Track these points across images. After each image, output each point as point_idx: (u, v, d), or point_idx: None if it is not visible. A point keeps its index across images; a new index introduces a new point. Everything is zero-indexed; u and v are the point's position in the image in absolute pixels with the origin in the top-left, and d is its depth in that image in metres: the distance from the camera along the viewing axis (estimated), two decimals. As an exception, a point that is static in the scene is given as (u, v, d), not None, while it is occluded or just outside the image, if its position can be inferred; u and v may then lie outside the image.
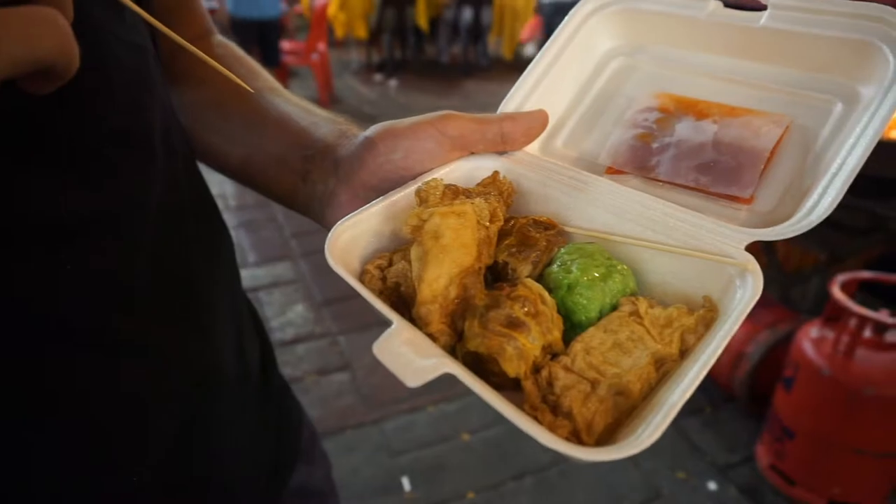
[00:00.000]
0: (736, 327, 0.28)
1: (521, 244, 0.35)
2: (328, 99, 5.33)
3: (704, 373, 0.27)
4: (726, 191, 0.35)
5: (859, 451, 1.63)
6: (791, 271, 2.30)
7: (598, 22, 0.46)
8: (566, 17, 0.46)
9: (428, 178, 0.38)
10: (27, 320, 0.32)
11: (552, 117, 0.44)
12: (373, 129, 0.41)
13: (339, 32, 6.70)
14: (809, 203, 0.32)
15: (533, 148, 0.43)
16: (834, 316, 1.67)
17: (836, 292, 1.65)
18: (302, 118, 0.46)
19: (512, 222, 0.37)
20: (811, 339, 1.69)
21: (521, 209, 0.39)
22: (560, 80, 0.45)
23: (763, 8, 0.39)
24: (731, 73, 0.41)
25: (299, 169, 0.44)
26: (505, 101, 0.45)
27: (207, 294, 0.43)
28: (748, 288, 0.30)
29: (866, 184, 1.69)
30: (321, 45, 5.27)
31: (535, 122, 0.42)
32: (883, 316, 1.57)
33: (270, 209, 3.37)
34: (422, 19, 6.73)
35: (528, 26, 7.02)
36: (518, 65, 7.21)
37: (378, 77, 6.49)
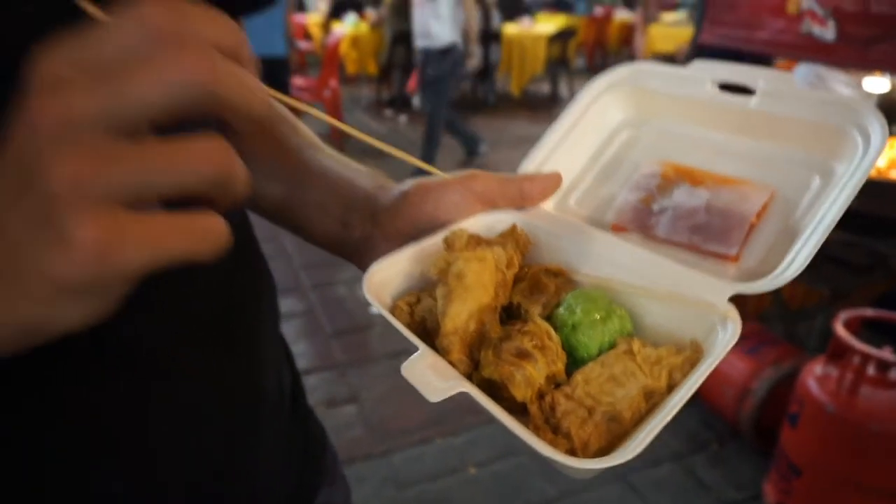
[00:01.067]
0: (715, 364, 0.33)
1: (533, 288, 0.40)
2: (339, 134, 5.44)
3: (684, 400, 0.32)
4: (716, 249, 0.40)
5: (866, 489, 1.63)
6: (796, 308, 2.33)
7: (611, 97, 0.52)
8: (583, 90, 0.53)
9: (455, 227, 0.43)
10: (92, 345, 0.36)
11: (567, 178, 0.49)
12: (408, 184, 0.47)
13: (351, 69, 6.87)
14: (786, 261, 0.37)
15: (549, 204, 0.48)
16: (838, 353, 1.69)
17: (840, 330, 1.67)
18: (342, 170, 0.52)
19: (526, 269, 0.42)
20: (815, 376, 1.71)
21: (535, 258, 0.44)
22: (575, 146, 0.51)
23: (752, 92, 0.44)
24: (725, 146, 0.46)
25: (339, 216, 0.49)
26: (525, 161, 0.51)
27: (255, 323, 0.48)
28: (728, 332, 0.34)
29: (869, 222, 1.74)
30: (333, 82, 5.40)
31: (550, 183, 0.47)
32: (887, 354, 1.59)
33: (280, 241, 3.42)
34: (431, 57, 6.90)
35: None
36: (526, 102, 7.34)
37: (388, 112, 6.62)
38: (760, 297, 2.50)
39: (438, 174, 0.46)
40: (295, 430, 0.56)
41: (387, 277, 0.41)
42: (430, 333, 0.38)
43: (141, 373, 0.38)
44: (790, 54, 1.99)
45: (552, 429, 0.33)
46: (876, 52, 1.50)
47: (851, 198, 0.36)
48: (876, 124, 0.38)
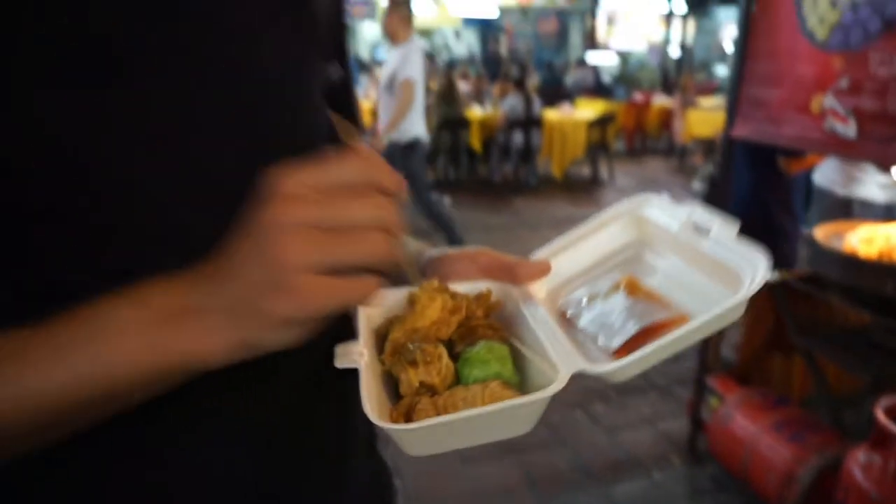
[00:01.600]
0: (518, 402, 0.43)
1: (471, 333, 0.53)
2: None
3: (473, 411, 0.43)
4: (602, 342, 0.52)
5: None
6: (842, 395, 2.31)
7: (622, 222, 0.64)
8: (608, 211, 0.64)
9: (455, 287, 0.56)
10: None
11: (565, 275, 0.61)
12: (437, 251, 0.63)
13: (398, 153, 7.22)
14: (629, 359, 0.46)
15: (542, 289, 0.60)
16: (880, 440, 1.68)
17: (881, 417, 1.67)
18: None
19: (476, 321, 0.54)
20: (860, 463, 1.70)
21: (498, 318, 0.56)
22: (581, 253, 0.63)
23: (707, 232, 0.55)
24: (675, 273, 0.57)
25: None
26: (538, 250, 0.63)
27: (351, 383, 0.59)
28: (549, 389, 0.44)
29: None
30: (356, 139, 5.68)
31: (538, 270, 0.59)
32: (929, 442, 1.58)
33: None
34: (475, 142, 7.20)
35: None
36: (567, 184, 7.53)
37: (434, 194, 6.88)
38: (804, 383, 2.49)
39: (456, 250, 0.63)
40: (377, 477, 0.66)
41: (383, 305, 0.55)
42: (384, 337, 0.53)
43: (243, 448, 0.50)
44: (816, 149, 2.09)
45: (405, 418, 0.45)
46: (895, 149, 1.59)
47: (705, 325, 0.46)
48: (759, 276, 0.47)
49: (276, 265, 0.36)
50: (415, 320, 0.51)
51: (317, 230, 0.36)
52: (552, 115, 7.54)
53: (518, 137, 7.10)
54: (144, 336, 0.38)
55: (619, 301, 0.55)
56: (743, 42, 2.12)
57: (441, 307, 0.52)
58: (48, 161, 0.39)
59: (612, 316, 0.53)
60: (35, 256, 0.41)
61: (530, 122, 7.06)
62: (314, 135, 0.52)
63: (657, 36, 16.64)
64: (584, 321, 0.55)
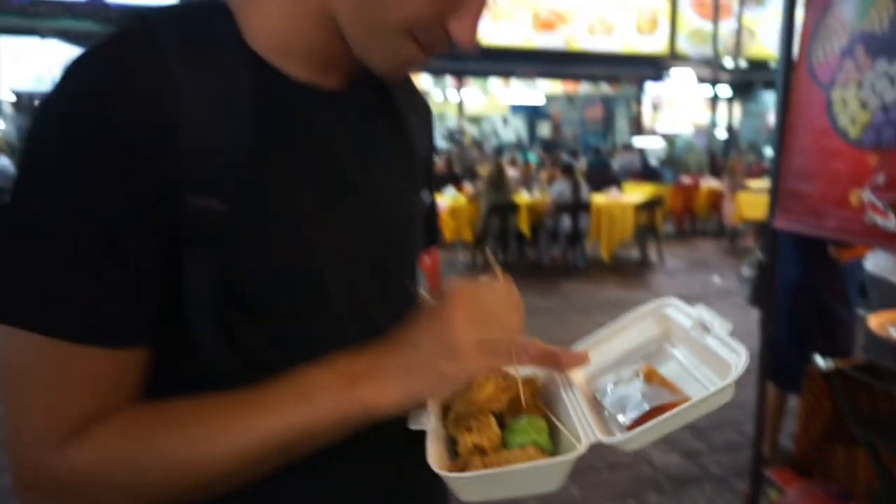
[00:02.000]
0: (543, 463, 0.56)
1: (516, 409, 0.65)
2: (437, 297, 5.80)
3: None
4: (620, 418, 0.63)
5: None
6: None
7: (649, 319, 0.75)
8: (637, 310, 0.76)
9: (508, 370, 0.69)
10: None
11: (602, 364, 0.73)
12: None
13: (448, 236, 7.43)
14: (631, 433, 0.57)
15: (581, 375, 0.71)
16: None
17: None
18: None
19: (523, 399, 0.65)
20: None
21: (542, 397, 0.69)
22: (614, 346, 0.75)
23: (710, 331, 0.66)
24: (689, 363, 0.68)
25: None
26: (579, 342, 0.75)
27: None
28: (571, 455, 0.56)
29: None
30: (433, 248, 5.87)
31: (576, 360, 0.71)
32: None
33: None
34: (524, 226, 7.36)
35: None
36: (615, 266, 7.55)
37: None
38: (868, 475, 2.39)
39: None
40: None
41: None
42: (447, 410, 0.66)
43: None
44: (859, 241, 2.12)
45: (460, 471, 0.56)
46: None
47: (696, 406, 0.57)
48: (740, 367, 0.57)
49: (452, 339, 0.55)
50: (472, 395, 0.64)
51: (480, 322, 0.56)
52: (599, 198, 7.67)
53: (566, 221, 7.23)
54: (337, 395, 0.55)
55: (637, 386, 0.66)
56: (780, 138, 2.22)
57: (494, 387, 0.64)
58: (275, 283, 0.58)
59: (630, 398, 0.64)
60: (248, 338, 0.58)
61: (578, 207, 7.20)
62: (416, 243, 0.75)
63: (703, 119, 16.87)
64: (609, 402, 0.66)
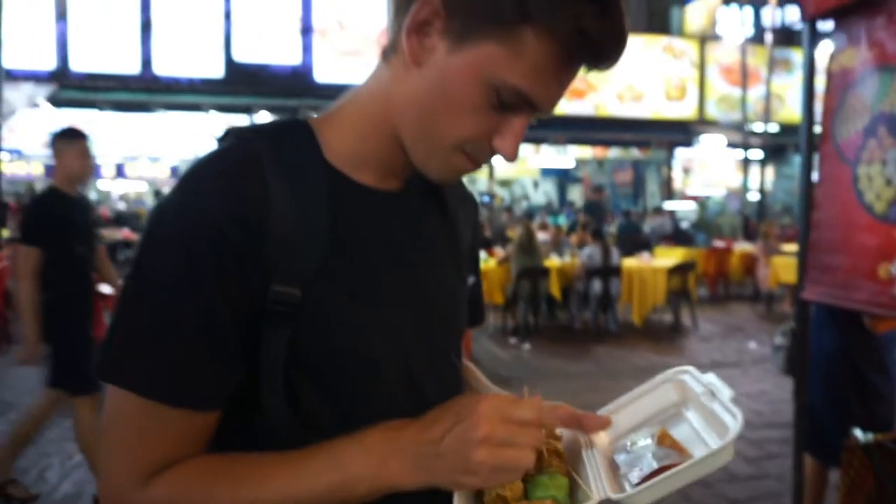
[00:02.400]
0: None
1: (538, 465, 0.68)
2: (468, 359, 5.81)
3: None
4: (631, 477, 0.68)
5: None
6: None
7: (668, 386, 0.81)
8: (657, 378, 0.81)
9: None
10: None
11: (625, 427, 0.78)
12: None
13: (479, 300, 7.47)
14: (636, 489, 0.63)
15: (604, 437, 0.76)
16: None
17: None
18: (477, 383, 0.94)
19: (548, 460, 0.71)
20: None
21: (569, 455, 0.75)
22: (636, 411, 0.80)
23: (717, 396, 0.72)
24: (694, 429, 0.73)
25: None
26: (603, 408, 0.80)
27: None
28: None
29: None
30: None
31: (600, 423, 0.74)
32: None
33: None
34: (555, 289, 7.38)
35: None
36: (648, 331, 7.46)
37: (513, 341, 6.98)
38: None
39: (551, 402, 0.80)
40: None
41: None
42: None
43: None
44: (890, 314, 2.12)
45: None
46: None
47: (693, 466, 0.63)
48: (734, 431, 0.63)
49: (469, 459, 0.59)
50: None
51: (499, 445, 0.60)
52: (630, 262, 7.67)
53: (597, 285, 7.23)
54: (367, 469, 0.62)
55: (650, 448, 0.71)
56: (806, 211, 2.27)
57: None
58: (336, 360, 0.67)
59: (642, 459, 0.69)
60: (309, 404, 0.67)
61: (609, 271, 7.21)
62: (462, 323, 0.84)
63: (735, 181, 16.86)
64: (623, 462, 0.72)
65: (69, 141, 2.99)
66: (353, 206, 0.71)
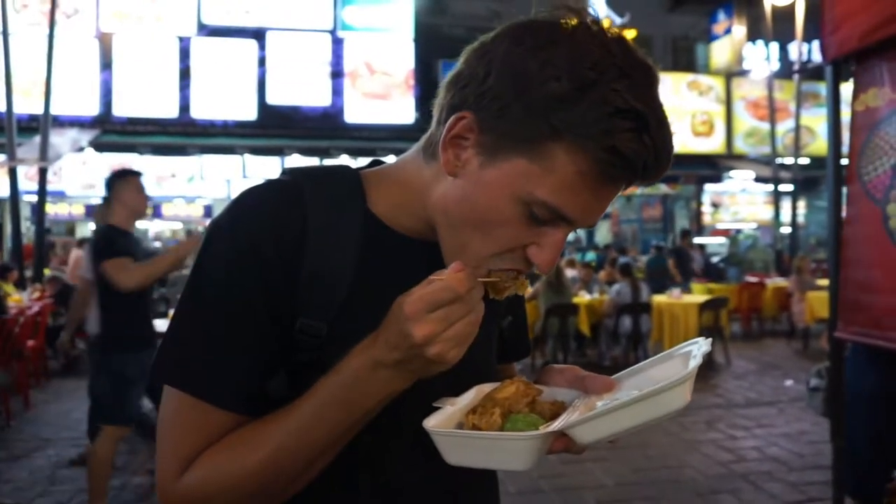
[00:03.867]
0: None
1: (531, 407, 0.73)
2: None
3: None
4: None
5: None
6: None
7: (678, 358, 0.79)
8: (669, 350, 0.81)
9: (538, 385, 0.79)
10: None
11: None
12: (544, 368, 0.87)
13: (508, 337, 7.43)
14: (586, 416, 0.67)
15: (600, 401, 0.76)
16: None
17: None
18: None
19: (538, 405, 0.74)
20: None
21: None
22: (641, 379, 0.78)
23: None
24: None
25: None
26: (613, 375, 0.80)
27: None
28: (536, 432, 0.65)
29: None
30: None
31: (603, 385, 0.76)
32: None
33: None
34: (584, 326, 7.32)
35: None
36: (680, 368, 7.29)
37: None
38: None
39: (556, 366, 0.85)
40: None
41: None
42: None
43: None
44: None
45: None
46: None
47: (645, 401, 0.65)
48: (689, 371, 0.65)
49: (411, 345, 0.60)
50: (492, 392, 0.74)
51: (435, 328, 0.60)
52: (660, 299, 7.58)
53: (627, 322, 7.16)
54: (361, 389, 0.64)
55: (624, 396, 0.71)
56: (836, 249, 2.26)
57: (515, 390, 0.73)
58: None
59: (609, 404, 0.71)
60: None
61: (639, 308, 7.14)
62: (490, 362, 0.87)
63: (766, 215, 16.64)
64: (600, 406, 0.73)
65: (125, 179, 3.16)
66: (384, 248, 0.75)
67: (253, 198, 0.72)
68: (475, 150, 0.66)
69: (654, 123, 0.61)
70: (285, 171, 0.77)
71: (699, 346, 0.75)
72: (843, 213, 2.27)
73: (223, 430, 0.69)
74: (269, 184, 0.74)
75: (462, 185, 0.68)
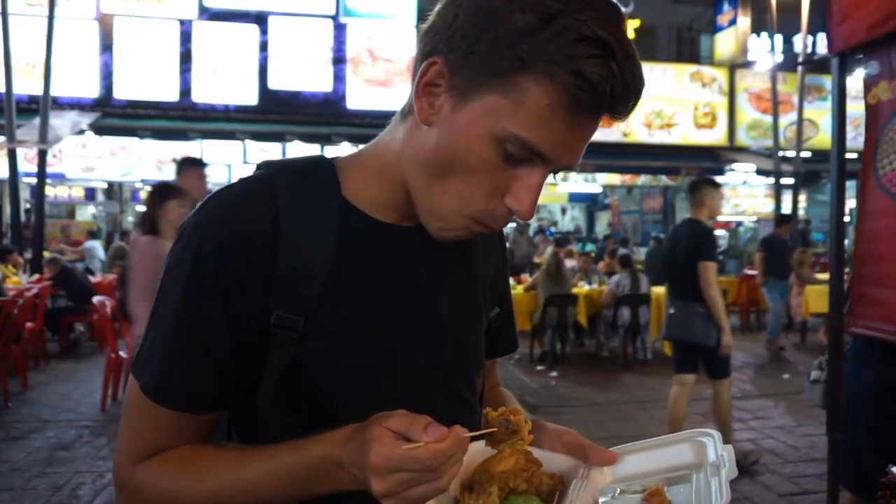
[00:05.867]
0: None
1: (529, 484, 0.70)
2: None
3: None
4: None
5: None
6: None
7: (688, 444, 0.76)
8: (680, 433, 0.78)
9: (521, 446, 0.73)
10: None
11: (631, 473, 0.75)
12: (538, 423, 0.80)
13: (506, 326, 7.43)
14: None
15: (608, 475, 0.75)
16: None
17: None
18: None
19: (542, 479, 0.72)
20: None
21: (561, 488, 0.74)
22: (649, 459, 0.76)
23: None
24: (699, 494, 0.69)
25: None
26: (618, 447, 0.78)
27: None
28: None
29: None
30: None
31: (605, 458, 0.75)
32: None
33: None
34: (582, 317, 7.32)
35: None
36: (677, 360, 7.30)
37: (540, 368, 6.93)
38: None
39: (552, 426, 0.81)
40: None
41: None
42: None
43: None
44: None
45: None
46: None
47: None
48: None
49: (378, 493, 0.60)
50: (490, 464, 0.71)
51: (397, 487, 0.59)
52: (660, 290, 7.56)
53: (625, 313, 7.16)
54: (319, 476, 0.65)
55: (635, 500, 0.68)
56: (838, 244, 2.25)
57: (514, 464, 0.71)
58: (334, 381, 0.72)
59: None
60: (303, 414, 0.72)
61: (638, 299, 7.13)
62: (476, 355, 0.85)
63: (766, 208, 16.60)
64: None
65: (191, 166, 3.56)
66: (362, 236, 0.75)
67: (222, 200, 0.72)
68: (447, 95, 0.66)
69: (621, 53, 0.60)
70: (260, 166, 0.77)
71: (721, 453, 0.71)
72: (847, 207, 2.25)
73: (179, 426, 0.72)
74: (241, 183, 0.74)
75: (436, 132, 0.67)
